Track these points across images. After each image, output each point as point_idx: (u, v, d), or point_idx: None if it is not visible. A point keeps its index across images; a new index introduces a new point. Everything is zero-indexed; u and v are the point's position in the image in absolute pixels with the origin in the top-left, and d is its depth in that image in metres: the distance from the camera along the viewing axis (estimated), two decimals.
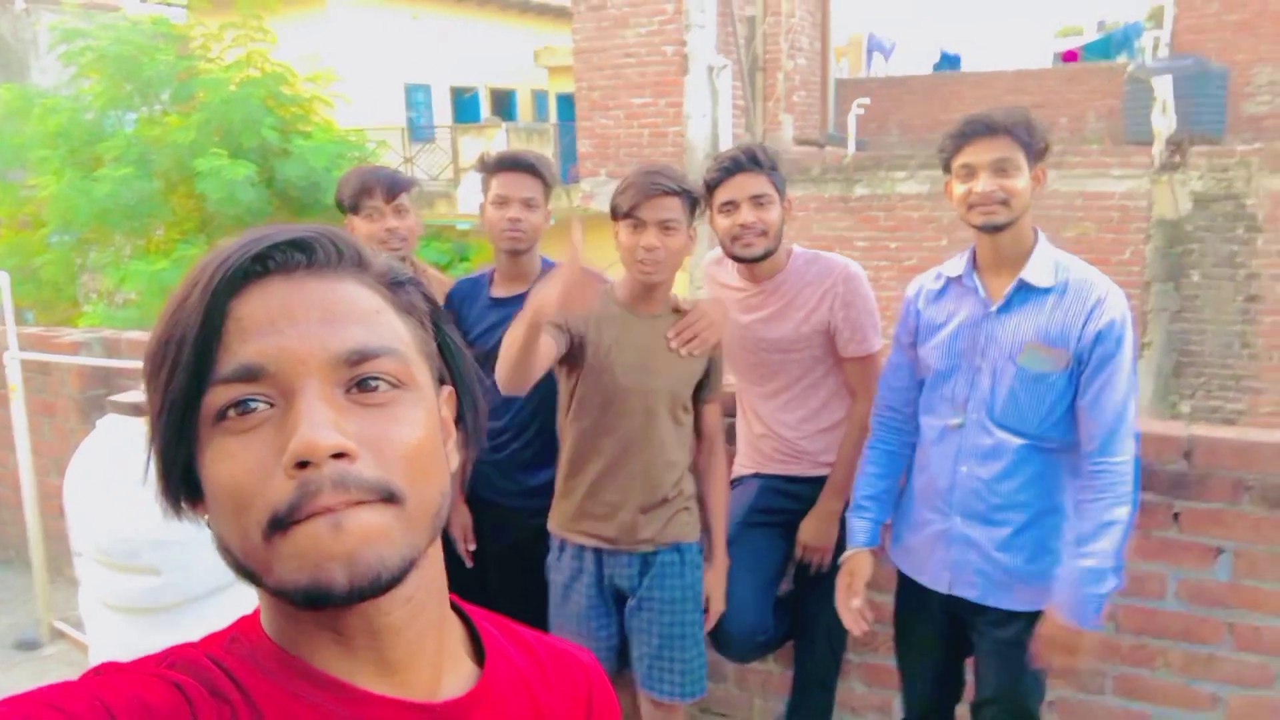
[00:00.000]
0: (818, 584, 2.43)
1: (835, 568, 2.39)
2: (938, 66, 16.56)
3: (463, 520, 2.54)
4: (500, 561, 2.55)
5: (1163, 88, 7.68)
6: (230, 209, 8.45)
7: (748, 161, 2.25)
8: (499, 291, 2.52)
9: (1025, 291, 1.97)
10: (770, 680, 2.87)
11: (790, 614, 2.55)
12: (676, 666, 2.22)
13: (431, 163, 14.55)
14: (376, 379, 0.60)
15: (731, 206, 2.27)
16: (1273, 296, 7.31)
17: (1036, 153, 1.95)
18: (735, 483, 2.54)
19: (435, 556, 0.66)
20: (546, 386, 2.18)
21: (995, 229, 1.94)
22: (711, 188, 2.30)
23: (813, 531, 2.42)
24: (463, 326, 2.49)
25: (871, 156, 9.09)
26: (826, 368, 2.39)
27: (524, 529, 2.42)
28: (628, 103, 9.14)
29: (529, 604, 2.34)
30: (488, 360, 2.40)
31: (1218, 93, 9.75)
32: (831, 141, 11.25)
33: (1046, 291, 1.95)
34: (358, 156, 9.72)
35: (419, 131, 16.05)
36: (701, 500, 2.33)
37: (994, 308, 1.99)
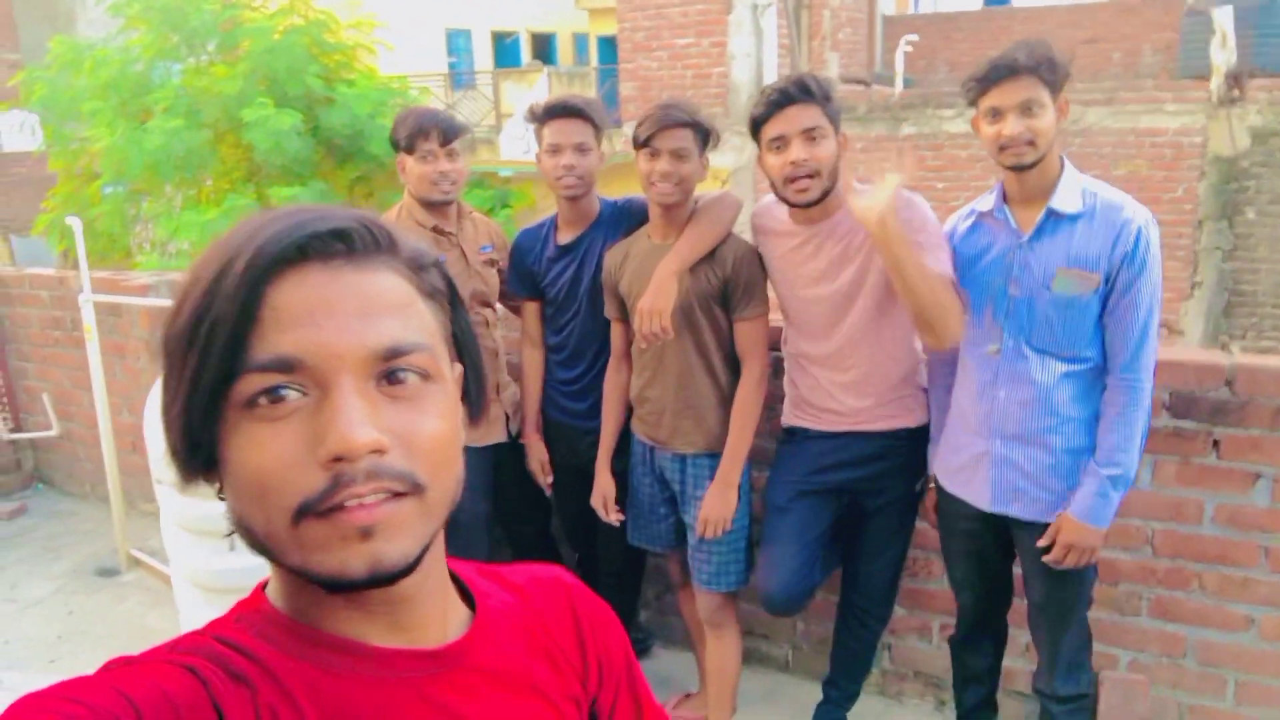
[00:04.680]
0: (874, 520, 2.39)
1: (889, 502, 2.41)
2: (988, 2, 16.12)
3: (540, 456, 2.76)
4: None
5: (1223, 19, 7.46)
6: (277, 159, 8.55)
7: (798, 92, 2.07)
8: (563, 238, 2.64)
9: (1055, 219, 2.01)
10: (813, 604, 2.94)
11: (840, 548, 2.53)
12: (713, 559, 2.42)
13: (473, 109, 14.50)
14: (406, 371, 0.63)
15: (781, 142, 2.09)
16: None
17: (1059, 86, 1.98)
18: (788, 434, 2.47)
19: (440, 530, 0.70)
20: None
21: (1025, 168, 1.99)
22: (759, 124, 2.13)
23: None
24: (533, 278, 2.68)
25: (919, 94, 8.96)
26: (888, 320, 2.21)
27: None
28: (671, 43, 9.06)
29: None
30: (559, 309, 2.66)
31: (1279, 24, 9.41)
32: (878, 80, 11.06)
33: (1076, 217, 1.99)
34: (401, 104, 9.74)
35: (460, 78, 16.00)
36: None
37: (1025, 238, 2.04)
